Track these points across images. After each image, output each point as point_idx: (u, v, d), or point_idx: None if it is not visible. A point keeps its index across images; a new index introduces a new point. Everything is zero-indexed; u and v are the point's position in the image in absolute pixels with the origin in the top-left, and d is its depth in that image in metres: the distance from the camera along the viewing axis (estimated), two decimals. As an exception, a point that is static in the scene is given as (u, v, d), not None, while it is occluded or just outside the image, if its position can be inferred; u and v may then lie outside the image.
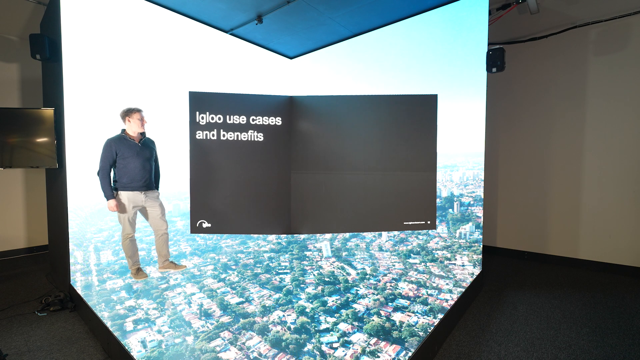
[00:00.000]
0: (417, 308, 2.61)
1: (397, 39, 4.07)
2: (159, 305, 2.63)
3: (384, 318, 2.44)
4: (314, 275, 3.32)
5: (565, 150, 4.08)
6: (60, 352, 2.30)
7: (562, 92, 4.07)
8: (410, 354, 2.00)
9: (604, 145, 3.85)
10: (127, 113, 2.97)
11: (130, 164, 2.93)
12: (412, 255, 3.90)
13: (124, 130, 2.99)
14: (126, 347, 2.05)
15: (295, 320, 2.41)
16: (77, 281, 3.06)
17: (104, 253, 3.36)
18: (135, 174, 2.95)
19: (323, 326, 2.33)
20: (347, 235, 4.35)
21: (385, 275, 3.32)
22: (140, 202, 3.02)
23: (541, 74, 4.18)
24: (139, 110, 2.98)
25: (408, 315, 2.48)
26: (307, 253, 3.98)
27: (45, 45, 3.10)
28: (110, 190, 2.91)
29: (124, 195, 2.95)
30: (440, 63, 3.96)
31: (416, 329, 2.28)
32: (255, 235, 4.37)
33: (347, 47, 4.39)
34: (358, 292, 2.92)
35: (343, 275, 3.33)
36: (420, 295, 2.85)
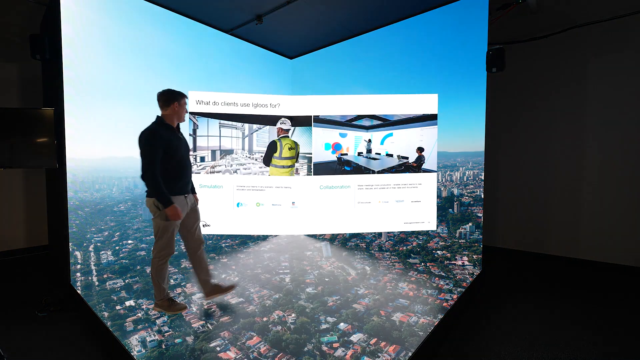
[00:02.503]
0: (417, 308, 2.61)
1: (397, 39, 4.07)
2: (159, 305, 2.63)
3: (384, 318, 2.44)
4: (314, 275, 3.32)
5: (565, 149, 4.08)
6: (60, 352, 2.29)
7: (562, 92, 4.07)
8: (410, 354, 2.00)
9: (604, 145, 3.85)
10: (178, 97, 2.41)
11: (181, 160, 2.42)
12: (412, 255, 3.90)
13: (163, 119, 2.42)
14: (126, 347, 2.05)
15: (295, 320, 2.41)
16: (77, 281, 3.06)
17: (104, 253, 3.36)
18: (184, 172, 2.45)
19: (323, 326, 2.33)
20: (347, 235, 4.35)
21: (385, 275, 3.32)
22: (184, 209, 2.46)
23: (541, 74, 4.18)
24: (186, 96, 2.50)
25: (408, 315, 2.48)
26: (307, 253, 3.98)
27: (45, 45, 3.10)
28: (168, 195, 2.28)
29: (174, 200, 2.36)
30: (440, 63, 3.95)
31: (416, 329, 2.28)
32: (255, 235, 4.37)
33: (347, 47, 4.39)
34: (358, 292, 2.92)
35: (343, 275, 3.33)
36: (420, 295, 2.85)
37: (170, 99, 2.40)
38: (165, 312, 2.47)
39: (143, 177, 2.28)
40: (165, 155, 2.30)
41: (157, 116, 2.44)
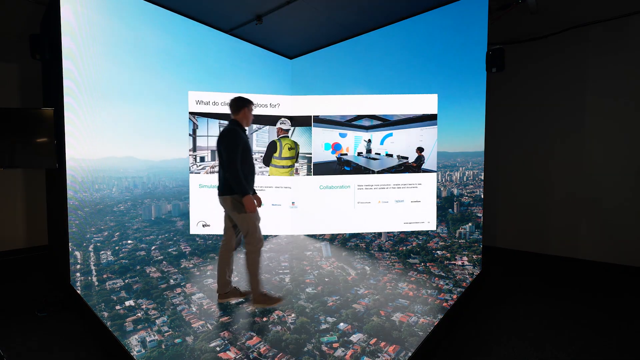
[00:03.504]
0: (417, 308, 2.61)
1: (397, 39, 4.07)
2: (158, 306, 2.63)
3: (384, 318, 2.44)
4: (314, 275, 3.32)
5: (565, 149, 4.08)
6: (60, 352, 2.29)
7: (562, 92, 4.07)
8: (410, 354, 2.00)
9: (604, 144, 3.85)
10: (247, 103, 2.64)
11: (251, 161, 2.64)
12: (412, 255, 3.90)
13: (236, 122, 2.63)
14: (126, 347, 2.05)
15: (295, 320, 2.41)
16: (77, 281, 3.06)
17: (104, 253, 3.36)
18: (252, 173, 2.65)
19: (323, 326, 2.33)
20: (347, 235, 4.35)
21: (385, 275, 3.32)
22: None
23: (541, 74, 4.18)
24: (253, 103, 2.74)
25: (408, 315, 2.48)
26: (307, 253, 3.98)
27: (45, 45, 3.10)
28: (247, 185, 2.51)
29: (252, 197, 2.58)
30: (440, 63, 3.96)
31: (416, 329, 2.28)
32: (255, 235, 4.36)
33: (347, 47, 4.39)
34: (358, 292, 2.92)
35: (343, 275, 3.33)
36: (420, 295, 2.85)
37: (242, 105, 2.62)
38: (265, 306, 2.58)
39: (228, 171, 2.47)
40: (241, 155, 2.50)
41: (233, 119, 2.64)
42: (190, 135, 3.96)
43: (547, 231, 4.22)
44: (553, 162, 4.16)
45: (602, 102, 3.84)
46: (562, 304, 3.04)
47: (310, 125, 4.14)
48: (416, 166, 4.02)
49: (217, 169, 4.06)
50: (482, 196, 3.79)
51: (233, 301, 2.70)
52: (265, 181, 4.15)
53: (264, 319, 2.42)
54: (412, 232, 4.12)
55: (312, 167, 4.15)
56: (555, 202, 4.16)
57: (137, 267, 3.43)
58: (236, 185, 2.47)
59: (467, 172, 3.94)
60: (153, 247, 3.72)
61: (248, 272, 2.63)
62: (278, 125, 4.14)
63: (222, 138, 2.54)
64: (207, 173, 4.03)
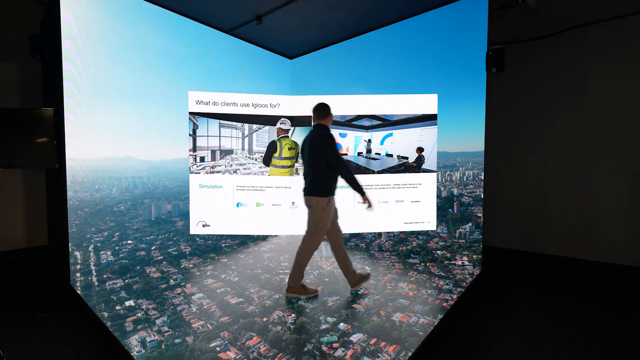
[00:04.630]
0: (417, 308, 2.61)
1: (397, 39, 4.07)
2: (158, 306, 2.63)
3: (384, 318, 2.44)
4: (314, 275, 3.31)
5: (565, 149, 4.08)
6: (59, 352, 2.29)
7: (562, 92, 4.07)
8: (410, 354, 2.00)
9: (604, 144, 3.85)
10: (330, 110, 2.78)
11: None
12: (412, 255, 3.90)
13: (327, 127, 2.77)
14: (126, 347, 2.05)
15: (295, 320, 2.41)
16: (77, 281, 3.06)
17: (104, 253, 3.36)
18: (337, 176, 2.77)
19: (323, 326, 2.33)
20: (347, 235, 4.35)
21: (385, 275, 3.32)
22: (334, 207, 2.83)
23: (541, 74, 4.18)
24: None
25: (408, 315, 2.48)
26: (307, 253, 3.97)
27: (45, 45, 3.10)
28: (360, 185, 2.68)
29: (332, 200, 2.76)
30: (440, 63, 3.95)
31: (416, 329, 2.28)
32: (255, 235, 4.37)
33: (347, 47, 4.39)
34: (358, 292, 2.92)
35: (343, 275, 3.32)
36: (420, 295, 2.85)
37: (329, 110, 2.78)
38: (300, 297, 2.77)
39: (344, 176, 2.67)
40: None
41: (321, 125, 2.77)
42: (190, 135, 3.96)
43: (547, 231, 4.23)
44: (553, 161, 4.17)
45: (602, 102, 3.84)
46: (562, 304, 3.04)
47: (310, 125, 4.14)
48: (416, 166, 4.02)
49: (217, 168, 4.06)
50: (482, 196, 3.79)
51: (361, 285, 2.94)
52: (265, 181, 4.15)
53: (264, 319, 2.42)
54: (412, 232, 4.12)
55: (312, 167, 4.14)
56: (555, 201, 4.16)
57: (137, 267, 3.43)
58: (357, 187, 2.68)
59: (467, 172, 3.94)
60: (153, 247, 3.72)
61: (295, 263, 2.79)
62: (278, 125, 4.13)
63: (322, 144, 2.67)
64: (208, 173, 4.03)
